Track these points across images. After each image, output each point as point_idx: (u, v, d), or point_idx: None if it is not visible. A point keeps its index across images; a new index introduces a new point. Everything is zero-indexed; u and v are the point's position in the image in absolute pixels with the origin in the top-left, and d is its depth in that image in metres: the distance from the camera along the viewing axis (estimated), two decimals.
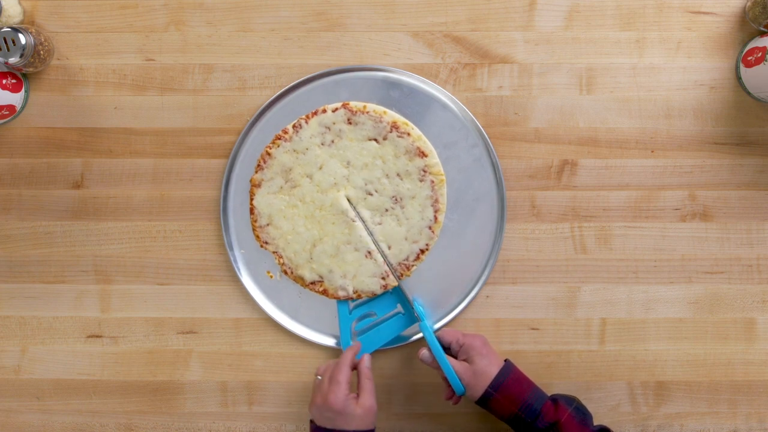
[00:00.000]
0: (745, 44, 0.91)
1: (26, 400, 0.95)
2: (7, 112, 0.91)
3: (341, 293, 0.91)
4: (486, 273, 0.91)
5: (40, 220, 0.94)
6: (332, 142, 0.90)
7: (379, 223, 0.91)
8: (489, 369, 0.81)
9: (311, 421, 0.82)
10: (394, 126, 0.90)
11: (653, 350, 0.93)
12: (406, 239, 0.91)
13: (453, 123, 0.91)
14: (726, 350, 0.93)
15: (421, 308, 0.89)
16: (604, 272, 0.93)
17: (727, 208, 0.92)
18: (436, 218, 0.91)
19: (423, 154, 0.90)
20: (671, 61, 0.92)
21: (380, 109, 0.90)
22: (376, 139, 0.90)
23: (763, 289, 0.93)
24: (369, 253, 0.90)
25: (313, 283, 0.92)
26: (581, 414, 0.80)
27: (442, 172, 0.91)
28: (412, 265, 0.91)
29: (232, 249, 0.92)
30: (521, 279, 0.93)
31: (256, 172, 0.91)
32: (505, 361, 0.83)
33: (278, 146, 0.90)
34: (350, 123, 0.90)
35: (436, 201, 0.91)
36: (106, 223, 0.94)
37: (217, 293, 0.94)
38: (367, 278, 0.91)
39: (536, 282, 0.93)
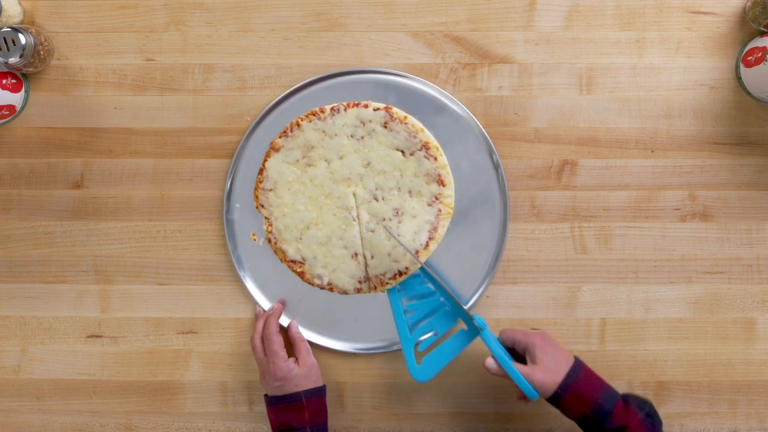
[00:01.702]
0: (745, 44, 0.91)
1: (26, 400, 0.95)
2: (7, 112, 0.91)
3: (316, 281, 0.91)
4: (489, 277, 0.91)
5: (40, 220, 0.94)
6: (362, 138, 0.90)
7: (372, 231, 0.90)
8: (557, 368, 0.78)
9: (265, 395, 0.88)
10: (425, 146, 0.90)
11: (653, 350, 0.93)
12: (389, 255, 0.90)
13: (462, 128, 0.90)
14: (726, 350, 0.93)
15: (481, 318, 0.83)
16: (604, 272, 0.93)
17: (727, 208, 0.92)
18: (427, 245, 0.90)
19: (442, 183, 0.90)
20: (671, 61, 0.92)
21: (419, 125, 0.90)
22: (403, 151, 0.90)
23: (763, 289, 0.93)
24: (355, 254, 0.91)
25: (293, 261, 0.91)
26: (651, 421, 0.77)
27: (452, 206, 0.90)
28: (387, 283, 0.91)
29: (230, 213, 0.91)
30: (521, 279, 0.93)
31: (280, 137, 0.91)
32: (575, 358, 0.80)
33: (310, 121, 0.90)
34: (386, 127, 0.90)
35: (434, 229, 0.90)
36: (106, 223, 0.94)
37: (217, 293, 0.94)
38: (345, 277, 0.91)
39: (536, 282, 0.93)
